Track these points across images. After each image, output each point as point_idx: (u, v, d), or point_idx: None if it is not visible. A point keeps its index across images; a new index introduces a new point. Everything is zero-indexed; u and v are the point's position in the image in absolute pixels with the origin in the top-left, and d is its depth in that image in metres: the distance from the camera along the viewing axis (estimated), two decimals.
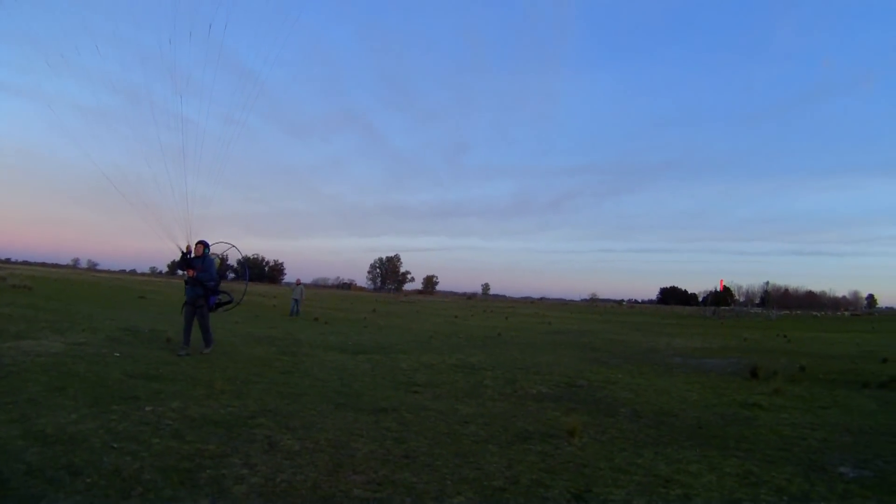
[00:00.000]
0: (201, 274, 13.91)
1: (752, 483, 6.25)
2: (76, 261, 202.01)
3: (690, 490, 5.90)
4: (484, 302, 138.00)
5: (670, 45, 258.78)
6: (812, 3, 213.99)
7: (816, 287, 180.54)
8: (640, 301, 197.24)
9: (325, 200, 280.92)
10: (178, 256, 13.96)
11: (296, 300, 35.88)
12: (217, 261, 15.06)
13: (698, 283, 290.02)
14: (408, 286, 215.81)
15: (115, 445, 6.18)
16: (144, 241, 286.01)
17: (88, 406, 7.76)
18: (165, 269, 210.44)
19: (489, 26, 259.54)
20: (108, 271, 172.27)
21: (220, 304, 14.66)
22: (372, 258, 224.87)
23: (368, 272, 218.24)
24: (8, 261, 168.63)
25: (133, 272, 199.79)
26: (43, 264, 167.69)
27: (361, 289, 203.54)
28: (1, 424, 6.64)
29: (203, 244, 14.20)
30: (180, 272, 15.20)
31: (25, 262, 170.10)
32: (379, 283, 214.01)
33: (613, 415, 9.71)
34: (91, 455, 5.83)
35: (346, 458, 6.42)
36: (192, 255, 14.12)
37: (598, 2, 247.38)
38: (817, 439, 8.45)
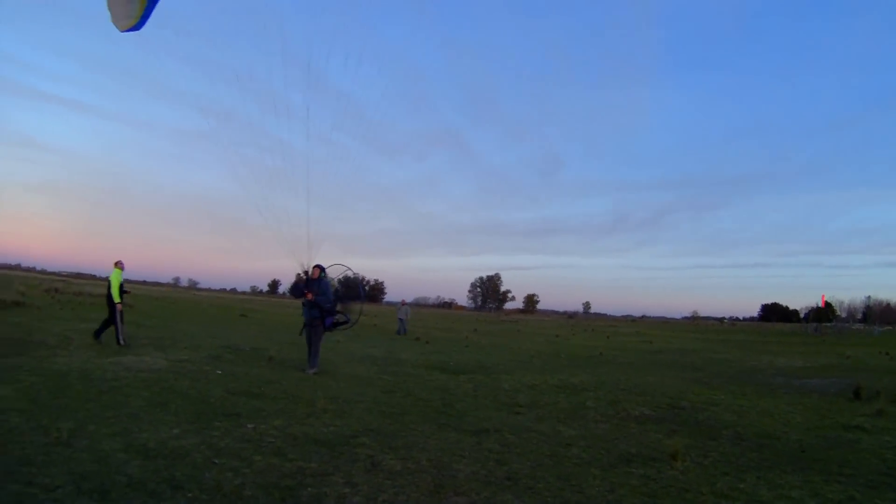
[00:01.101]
0: (319, 297, 14.23)
1: None
2: (177, 279, 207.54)
3: None
4: (585, 321, 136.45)
5: (756, 51, 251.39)
6: (890, 8, 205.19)
7: None
8: (741, 318, 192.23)
9: (421, 219, 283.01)
10: (293, 278, 14.24)
11: (402, 320, 36.23)
12: (333, 283, 15.22)
13: (799, 299, 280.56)
14: (508, 305, 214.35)
15: (217, 461, 6.04)
16: (245, 261, 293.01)
17: (190, 422, 7.69)
18: (266, 288, 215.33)
19: (573, 40, 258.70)
20: (209, 290, 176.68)
21: (336, 325, 14.85)
22: (472, 277, 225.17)
23: (469, 291, 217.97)
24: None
25: (234, 291, 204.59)
26: (144, 283, 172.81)
27: (462, 308, 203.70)
28: (103, 438, 6.57)
29: (319, 268, 14.50)
30: (293, 295, 15.93)
31: (127, 280, 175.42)
32: (479, 302, 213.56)
33: (716, 437, 9.25)
34: (193, 470, 5.70)
35: (448, 478, 6.18)
36: (309, 278, 14.37)
37: (677, 13, 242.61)
38: None
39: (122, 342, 15.73)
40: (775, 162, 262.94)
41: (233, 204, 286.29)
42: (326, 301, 14.39)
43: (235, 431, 7.39)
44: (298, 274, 14.76)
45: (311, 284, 14.37)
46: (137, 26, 10.02)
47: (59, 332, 16.95)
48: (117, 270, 16.58)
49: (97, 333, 16.01)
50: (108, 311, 16.26)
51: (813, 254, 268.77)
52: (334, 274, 15.59)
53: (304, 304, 14.51)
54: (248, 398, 9.80)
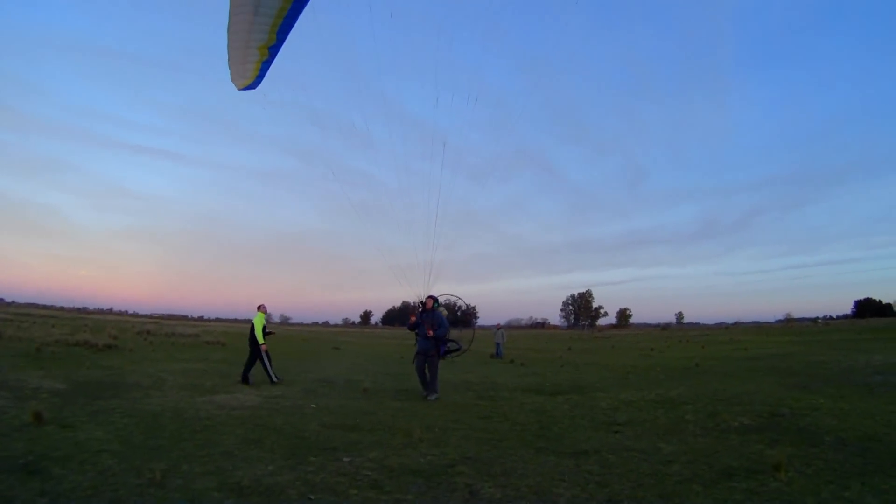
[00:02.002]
0: (438, 330, 14.68)
1: None
2: (269, 315, 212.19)
3: None
4: (679, 331, 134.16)
5: (832, 37, 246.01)
6: None
7: None
8: (835, 317, 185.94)
9: (510, 241, 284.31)
10: (402, 306, 14.69)
11: (498, 343, 36.50)
12: (443, 311, 15.53)
13: (894, 292, 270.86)
14: (602, 321, 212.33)
15: (312, 497, 5.92)
16: (336, 293, 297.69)
17: (285, 458, 7.60)
18: (358, 320, 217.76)
19: (648, 48, 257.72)
20: (301, 324, 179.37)
21: (449, 352, 15.19)
22: (563, 295, 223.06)
23: (561, 309, 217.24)
24: (201, 318, 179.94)
25: (326, 324, 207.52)
26: (235, 321, 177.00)
27: (555, 327, 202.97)
28: (197, 476, 6.54)
29: (433, 299, 14.97)
30: (408, 325, 15.88)
31: (218, 319, 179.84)
32: (572, 320, 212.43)
33: (818, 444, 8.79)
34: None
35: None
36: (423, 309, 14.91)
37: (751, 7, 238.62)
38: None
39: (275, 380, 16.73)
40: (862, 151, 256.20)
41: (320, 238, 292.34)
42: (443, 332, 14.75)
43: (331, 466, 7.26)
44: (412, 309, 15.27)
45: (425, 315, 14.76)
46: (253, 85, 10.77)
47: (152, 374, 17.37)
48: (260, 314, 17.60)
49: (244, 377, 16.70)
50: (250, 353, 17.18)
51: None
52: (444, 302, 15.88)
53: (417, 333, 14.90)
54: (343, 431, 9.69)
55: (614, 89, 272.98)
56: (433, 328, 14.61)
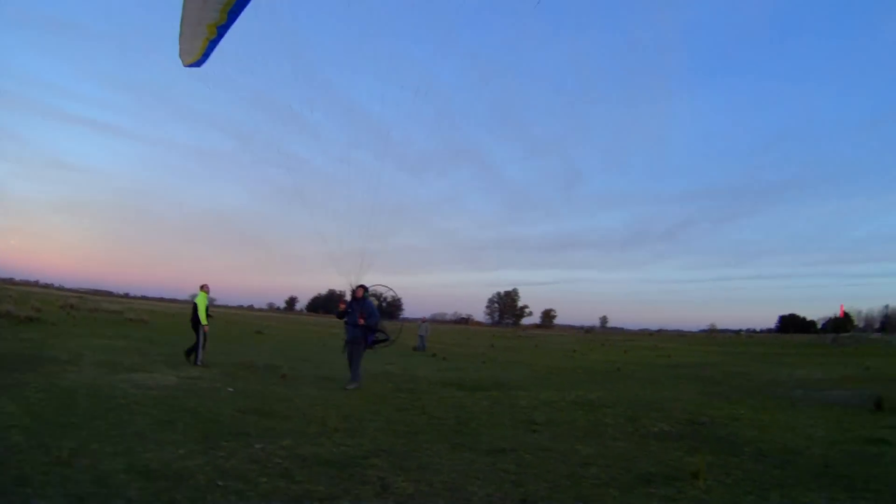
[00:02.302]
0: (369, 319, 14.82)
1: None
2: (193, 296, 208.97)
3: None
4: (602, 335, 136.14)
5: (777, 55, 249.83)
6: None
7: None
8: (758, 330, 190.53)
9: (441, 235, 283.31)
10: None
11: (421, 336, 36.22)
12: (375, 302, 15.80)
13: (817, 310, 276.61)
14: (526, 320, 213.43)
15: (221, 483, 5.82)
16: (262, 278, 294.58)
17: (197, 442, 7.48)
18: (283, 305, 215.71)
19: (595, 54, 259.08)
20: (226, 307, 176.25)
21: (377, 342, 15.26)
22: (489, 292, 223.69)
23: (486, 306, 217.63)
24: (126, 295, 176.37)
25: (251, 307, 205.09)
26: (161, 299, 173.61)
27: (479, 323, 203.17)
28: (105, 457, 6.39)
29: (363, 288, 15.06)
30: (336, 313, 15.93)
31: (144, 297, 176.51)
32: (497, 318, 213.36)
33: (738, 454, 8.96)
34: (195, 493, 5.49)
35: (462, 501, 5.95)
36: (354, 298, 15.01)
37: (701, 20, 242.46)
38: None
39: (199, 363, 16.36)
40: (798, 170, 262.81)
41: (251, 221, 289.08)
42: (373, 321, 14.90)
43: (243, 452, 7.16)
44: (339, 297, 15.22)
45: (356, 304, 14.82)
46: (198, 63, 10.80)
47: (71, 349, 16.98)
48: (203, 294, 17.53)
49: (188, 353, 16.80)
50: (195, 333, 16.95)
51: (832, 263, 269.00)
52: (378, 292, 16.32)
53: (346, 322, 14.91)
54: (258, 417, 9.59)
55: (557, 91, 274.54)
56: (364, 317, 14.66)
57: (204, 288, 17.67)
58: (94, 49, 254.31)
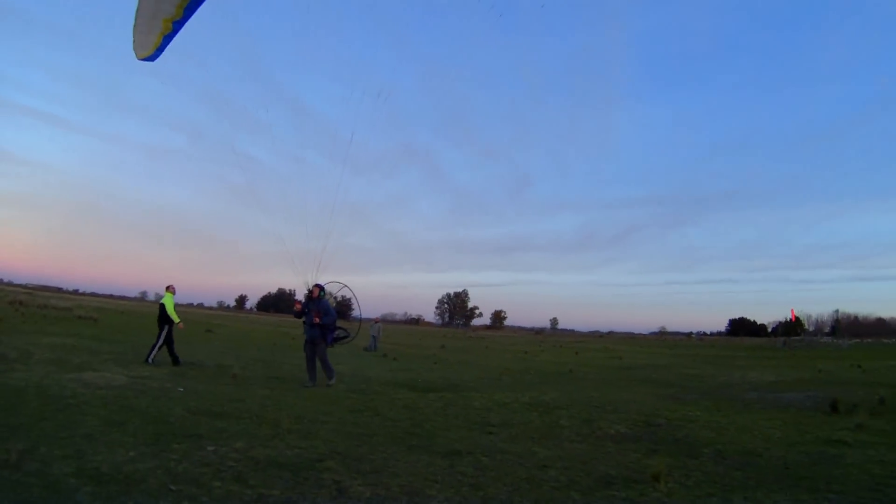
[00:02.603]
0: (324, 318, 15.11)
1: None
2: (144, 293, 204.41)
3: None
4: (553, 337, 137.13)
5: (722, 70, 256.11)
6: (862, 18, 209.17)
7: (886, 314, 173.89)
8: (709, 333, 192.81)
9: (391, 236, 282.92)
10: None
11: (374, 336, 36.10)
12: (332, 300, 16.10)
13: (767, 314, 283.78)
14: (476, 321, 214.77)
15: (173, 488, 5.73)
16: (212, 276, 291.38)
17: (148, 444, 7.36)
18: (233, 304, 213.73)
19: (545, 60, 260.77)
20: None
21: (337, 340, 15.67)
22: (440, 293, 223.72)
23: (436, 307, 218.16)
24: (76, 292, 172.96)
25: (201, 305, 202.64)
26: (111, 296, 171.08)
27: (429, 324, 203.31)
28: (55, 460, 6.28)
29: (319, 287, 15.39)
30: (293, 312, 16.40)
31: (93, 294, 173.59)
32: (447, 319, 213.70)
33: (697, 456, 9.02)
34: (146, 498, 5.40)
35: None
36: (310, 297, 15.35)
37: (650, 32, 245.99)
38: None
39: (150, 361, 16.42)
40: (747, 179, 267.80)
41: (201, 219, 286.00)
42: (329, 320, 15.19)
43: (195, 454, 7.06)
44: (297, 301, 16.19)
45: (312, 304, 15.10)
46: (152, 57, 10.85)
47: (19, 346, 16.65)
48: (169, 294, 17.80)
49: (173, 358, 17.01)
50: (167, 332, 17.16)
51: (781, 269, 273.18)
52: (333, 290, 16.44)
53: (305, 322, 15.22)
54: (209, 418, 9.45)
55: (506, 96, 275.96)
56: (320, 316, 14.88)
57: (170, 289, 17.91)
58: (41, 39, 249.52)
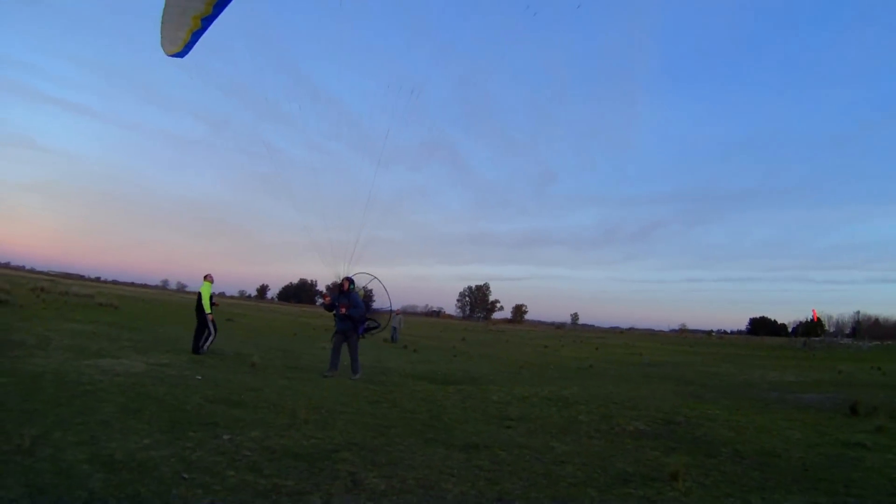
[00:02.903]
0: (352, 311, 15.32)
1: None
2: (165, 282, 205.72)
3: None
4: (573, 332, 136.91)
5: (748, 67, 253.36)
6: (888, 19, 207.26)
7: None
8: (729, 332, 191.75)
9: (414, 229, 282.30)
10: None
11: (395, 328, 36.19)
12: (361, 292, 16.18)
13: (787, 314, 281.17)
14: (497, 315, 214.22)
15: (187, 476, 5.67)
16: (234, 265, 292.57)
17: (163, 431, 7.32)
18: (255, 293, 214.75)
19: (569, 55, 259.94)
20: (196, 293, 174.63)
21: (368, 330, 16.03)
22: (461, 286, 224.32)
23: (457, 300, 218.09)
24: (98, 279, 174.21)
25: (222, 295, 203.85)
26: (132, 284, 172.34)
27: (450, 317, 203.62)
28: (69, 447, 6.23)
29: (349, 280, 15.53)
30: (322, 305, 17.25)
31: (115, 282, 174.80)
32: (468, 312, 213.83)
33: (715, 455, 8.88)
34: (159, 486, 5.34)
35: (436, 500, 5.82)
36: (340, 290, 15.52)
37: (673, 29, 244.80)
38: None
39: (204, 350, 16.83)
40: (769, 178, 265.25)
41: (224, 208, 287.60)
42: (358, 313, 15.39)
43: (210, 443, 7.01)
44: (325, 294, 16.87)
45: (342, 297, 15.26)
46: (181, 53, 10.89)
47: (39, 332, 16.63)
48: (207, 283, 17.83)
49: (195, 347, 16.91)
50: (198, 322, 17.19)
51: (802, 269, 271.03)
52: (362, 281, 16.43)
53: (335, 314, 15.45)
54: (226, 406, 9.42)
55: (531, 91, 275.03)
56: (347, 308, 15.07)
57: (207, 277, 17.89)
58: (65, 27, 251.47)
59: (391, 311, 17.21)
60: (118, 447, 6.35)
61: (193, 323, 17.18)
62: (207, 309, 17.20)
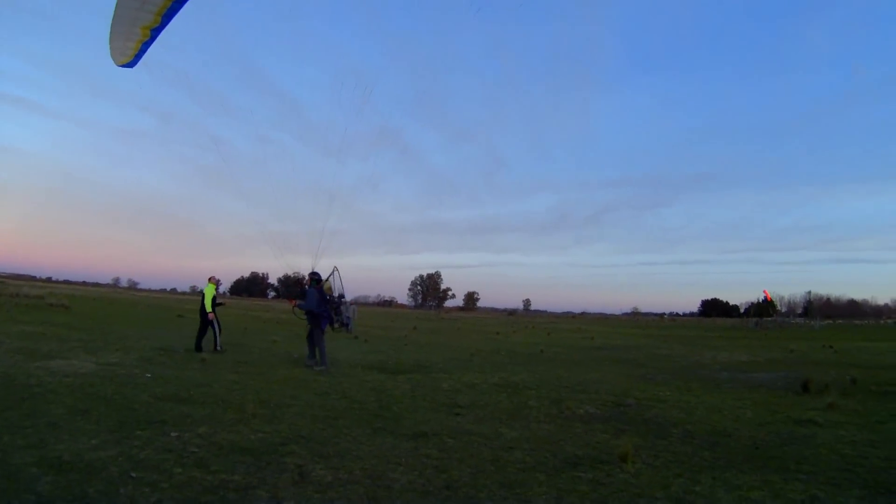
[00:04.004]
0: (301, 304, 16.08)
1: None
2: (117, 280, 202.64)
3: None
4: (525, 318, 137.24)
5: (702, 57, 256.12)
6: (841, 9, 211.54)
7: (858, 295, 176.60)
8: (681, 314, 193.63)
9: (364, 218, 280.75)
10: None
11: (349, 318, 35.99)
12: (327, 284, 16.76)
13: (739, 295, 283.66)
14: (449, 303, 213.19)
15: (134, 475, 5.74)
16: (185, 261, 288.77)
17: (111, 431, 7.37)
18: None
19: (523, 43, 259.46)
20: (149, 290, 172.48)
21: (333, 324, 16.89)
22: (412, 275, 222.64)
23: (409, 289, 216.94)
24: (49, 280, 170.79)
25: (174, 291, 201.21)
26: (84, 283, 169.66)
27: (402, 306, 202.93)
28: (17, 450, 6.27)
29: (312, 277, 16.28)
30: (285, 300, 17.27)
31: (66, 282, 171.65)
32: (420, 300, 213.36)
33: (665, 436, 9.08)
34: (107, 485, 5.41)
35: (383, 490, 5.90)
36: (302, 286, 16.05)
37: (630, 17, 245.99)
38: (880, 458, 7.90)
39: (219, 348, 17.93)
40: (724, 163, 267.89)
41: (174, 203, 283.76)
42: (306, 306, 15.96)
43: (158, 441, 7.08)
44: (291, 299, 17.53)
45: (292, 292, 15.60)
46: (131, 63, 11.08)
47: None
48: (211, 285, 18.96)
49: (197, 345, 17.61)
50: (201, 322, 18.44)
51: (755, 251, 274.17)
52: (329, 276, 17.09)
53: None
54: (175, 403, 9.46)
55: (483, 79, 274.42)
56: (295, 302, 15.88)
57: (212, 280, 18.95)
58: (14, 21, 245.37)
59: (342, 300, 17.29)
60: (66, 449, 6.40)
61: (142, 320, 17.20)
62: (209, 308, 17.99)
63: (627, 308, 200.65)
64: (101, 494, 5.17)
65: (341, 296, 17.06)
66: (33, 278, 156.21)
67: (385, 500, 5.56)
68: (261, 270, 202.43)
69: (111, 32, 10.16)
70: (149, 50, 11.08)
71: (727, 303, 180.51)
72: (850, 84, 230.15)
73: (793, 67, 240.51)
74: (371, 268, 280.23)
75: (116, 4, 9.64)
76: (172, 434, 7.43)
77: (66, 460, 6.01)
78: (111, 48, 10.57)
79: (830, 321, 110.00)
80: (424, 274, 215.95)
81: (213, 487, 5.58)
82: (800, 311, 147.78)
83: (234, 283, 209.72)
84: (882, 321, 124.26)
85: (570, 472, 6.88)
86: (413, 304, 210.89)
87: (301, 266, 16.16)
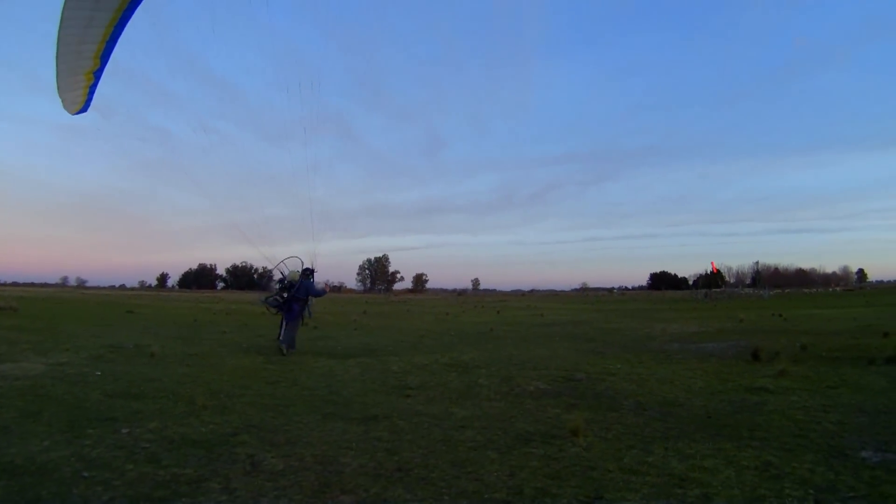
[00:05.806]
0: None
1: (773, 476, 5.85)
2: (65, 279, 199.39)
3: (709, 489, 5.48)
4: (474, 297, 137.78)
5: (644, 29, 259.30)
6: None
7: (806, 264, 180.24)
8: (630, 288, 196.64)
9: (308, 204, 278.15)
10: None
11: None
12: (294, 274, 17.26)
13: (688, 267, 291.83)
14: (398, 286, 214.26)
15: (87, 474, 5.77)
16: (132, 256, 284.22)
17: (62, 431, 7.35)
18: (154, 283, 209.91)
19: (459, 19, 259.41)
20: (97, 288, 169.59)
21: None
22: (360, 260, 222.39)
23: (358, 274, 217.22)
24: None
25: (122, 287, 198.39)
26: (31, 284, 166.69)
27: (351, 291, 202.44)
28: None
29: (305, 271, 17.49)
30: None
31: (14, 283, 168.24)
32: (369, 285, 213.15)
33: (617, 409, 9.26)
34: (60, 487, 5.44)
35: (334, 475, 5.98)
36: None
37: None
38: (832, 422, 8.12)
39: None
40: (669, 135, 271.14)
41: (118, 197, 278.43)
42: (317, 293, 17.77)
43: (109, 438, 7.09)
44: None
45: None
46: (84, 109, 11.29)
47: None
48: None
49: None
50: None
51: (702, 223, 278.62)
52: (292, 265, 17.68)
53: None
54: (125, 400, 9.44)
55: (419, 58, 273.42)
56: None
57: None
58: None
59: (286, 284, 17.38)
60: (18, 452, 6.38)
61: (92, 318, 17.01)
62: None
63: (577, 284, 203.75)
64: (54, 496, 5.20)
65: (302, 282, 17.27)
66: None
67: (336, 486, 5.63)
68: (208, 261, 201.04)
69: (58, 87, 10.28)
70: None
71: (676, 275, 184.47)
72: (792, 55, 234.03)
73: (735, 39, 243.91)
74: (318, 254, 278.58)
75: (56, 57, 9.67)
76: (123, 430, 7.45)
77: (18, 464, 6.00)
78: (62, 100, 10.67)
79: (779, 290, 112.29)
80: (372, 258, 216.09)
81: (165, 482, 5.62)
82: (748, 281, 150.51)
83: (183, 275, 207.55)
84: (831, 289, 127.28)
85: (522, 448, 7.01)
86: (362, 288, 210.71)
87: (279, 256, 16.79)
